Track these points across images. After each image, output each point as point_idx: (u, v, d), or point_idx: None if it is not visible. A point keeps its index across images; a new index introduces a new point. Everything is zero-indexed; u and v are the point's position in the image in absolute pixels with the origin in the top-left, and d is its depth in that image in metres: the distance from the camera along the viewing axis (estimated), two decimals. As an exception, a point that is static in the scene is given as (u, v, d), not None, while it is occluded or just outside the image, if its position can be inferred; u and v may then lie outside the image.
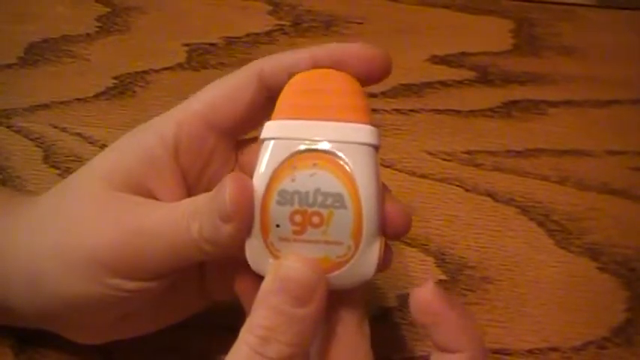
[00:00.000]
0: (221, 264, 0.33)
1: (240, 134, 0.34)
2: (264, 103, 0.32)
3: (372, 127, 0.30)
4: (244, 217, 0.29)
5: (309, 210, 0.28)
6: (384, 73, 0.31)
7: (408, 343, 0.39)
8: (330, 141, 0.29)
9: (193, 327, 0.37)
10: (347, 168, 0.29)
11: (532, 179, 0.45)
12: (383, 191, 0.30)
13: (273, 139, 0.29)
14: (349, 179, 0.29)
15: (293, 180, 0.29)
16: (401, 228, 0.30)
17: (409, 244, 0.42)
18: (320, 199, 0.28)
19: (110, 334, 0.35)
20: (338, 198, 0.28)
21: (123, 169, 0.32)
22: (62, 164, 0.45)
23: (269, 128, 0.30)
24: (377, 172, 0.29)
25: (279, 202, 0.29)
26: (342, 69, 0.31)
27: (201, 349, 0.39)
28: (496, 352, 0.39)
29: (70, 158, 0.45)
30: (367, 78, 0.31)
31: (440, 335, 0.29)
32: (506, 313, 0.40)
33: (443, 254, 0.42)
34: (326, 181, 0.28)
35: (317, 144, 0.29)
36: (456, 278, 0.41)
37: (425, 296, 0.29)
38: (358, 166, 0.29)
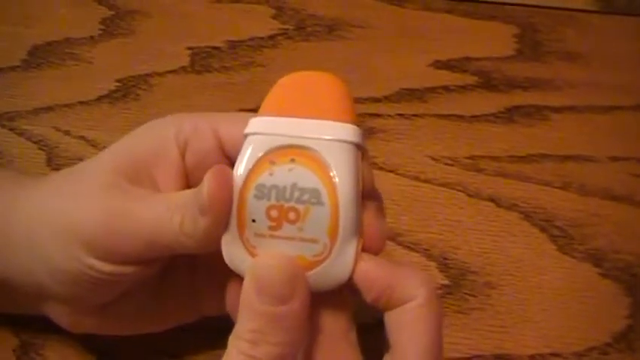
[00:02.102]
0: (213, 279, 0.34)
1: None
2: None
3: (354, 126, 0.29)
4: (221, 211, 0.29)
5: (286, 205, 0.28)
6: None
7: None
8: (309, 137, 0.29)
9: (195, 331, 0.38)
10: (325, 164, 0.28)
11: (535, 185, 0.45)
12: (361, 191, 0.29)
13: (255, 134, 0.29)
14: (327, 176, 0.28)
15: (271, 174, 0.28)
16: (374, 247, 0.30)
17: (412, 249, 0.42)
18: (297, 194, 0.28)
19: (96, 325, 0.35)
20: (315, 194, 0.28)
21: (133, 156, 0.33)
22: (65, 167, 0.45)
23: (252, 124, 0.30)
24: (357, 170, 0.29)
25: (256, 197, 0.28)
26: None
27: (204, 353, 0.39)
28: (498, 357, 0.39)
29: (73, 161, 0.45)
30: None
31: (392, 300, 0.29)
32: (508, 318, 0.40)
33: (445, 259, 0.42)
34: (303, 176, 0.28)
35: (296, 140, 0.29)
36: (459, 283, 0.41)
37: (364, 271, 0.29)
38: (337, 162, 0.28)
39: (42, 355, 0.39)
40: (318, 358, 0.30)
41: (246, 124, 0.31)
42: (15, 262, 0.34)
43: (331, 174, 0.28)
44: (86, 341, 0.38)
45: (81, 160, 0.45)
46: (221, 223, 0.29)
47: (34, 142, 0.46)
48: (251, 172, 0.29)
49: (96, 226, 0.31)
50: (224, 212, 0.29)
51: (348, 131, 0.29)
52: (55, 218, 0.33)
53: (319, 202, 0.28)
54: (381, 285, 0.29)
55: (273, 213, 0.28)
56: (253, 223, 0.29)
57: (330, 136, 0.29)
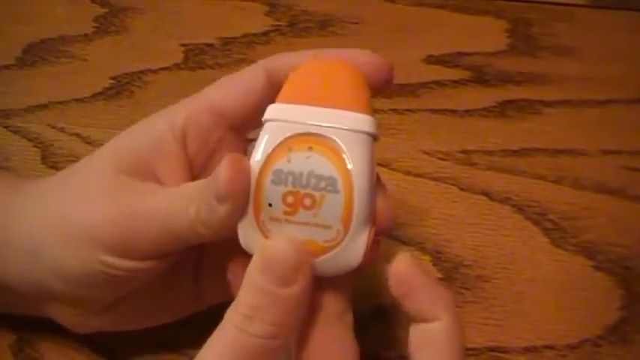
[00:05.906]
0: (218, 265, 0.34)
1: (248, 129, 0.35)
2: (272, 100, 0.33)
3: (370, 117, 0.30)
4: (239, 198, 0.29)
5: (302, 191, 0.29)
6: (388, 83, 0.33)
7: (403, 340, 0.39)
8: (327, 126, 0.29)
9: (196, 326, 0.38)
10: (342, 153, 0.29)
11: (528, 178, 0.45)
12: (376, 183, 0.30)
13: (273, 120, 0.30)
14: (343, 164, 0.29)
15: (289, 161, 0.29)
16: (385, 222, 0.30)
17: (405, 243, 0.43)
18: (313, 181, 0.29)
19: (102, 324, 0.36)
20: (331, 182, 0.29)
21: (131, 152, 0.33)
22: (60, 164, 0.45)
23: (271, 111, 0.30)
24: (372, 160, 0.30)
25: (273, 182, 0.29)
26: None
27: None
28: (492, 349, 0.40)
29: (69, 158, 0.45)
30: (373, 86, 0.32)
31: (416, 304, 0.29)
32: (501, 311, 0.41)
33: (439, 253, 0.42)
34: (320, 164, 0.29)
35: (314, 128, 0.29)
36: (452, 277, 0.42)
37: (401, 267, 0.29)
38: (353, 152, 0.29)
39: (38, 351, 0.39)
40: (313, 336, 0.30)
41: (237, 82, 0.31)
42: (14, 267, 0.34)
43: (347, 163, 0.29)
44: (83, 336, 0.38)
45: (76, 157, 0.45)
46: (239, 210, 0.29)
47: (29, 140, 0.46)
48: (269, 158, 0.29)
49: (110, 226, 0.31)
50: (242, 199, 0.29)
51: (365, 122, 0.30)
52: (64, 223, 0.33)
53: (335, 190, 0.29)
54: (411, 290, 0.29)
55: (290, 199, 0.29)
56: (269, 208, 0.29)
57: (348, 126, 0.29)
